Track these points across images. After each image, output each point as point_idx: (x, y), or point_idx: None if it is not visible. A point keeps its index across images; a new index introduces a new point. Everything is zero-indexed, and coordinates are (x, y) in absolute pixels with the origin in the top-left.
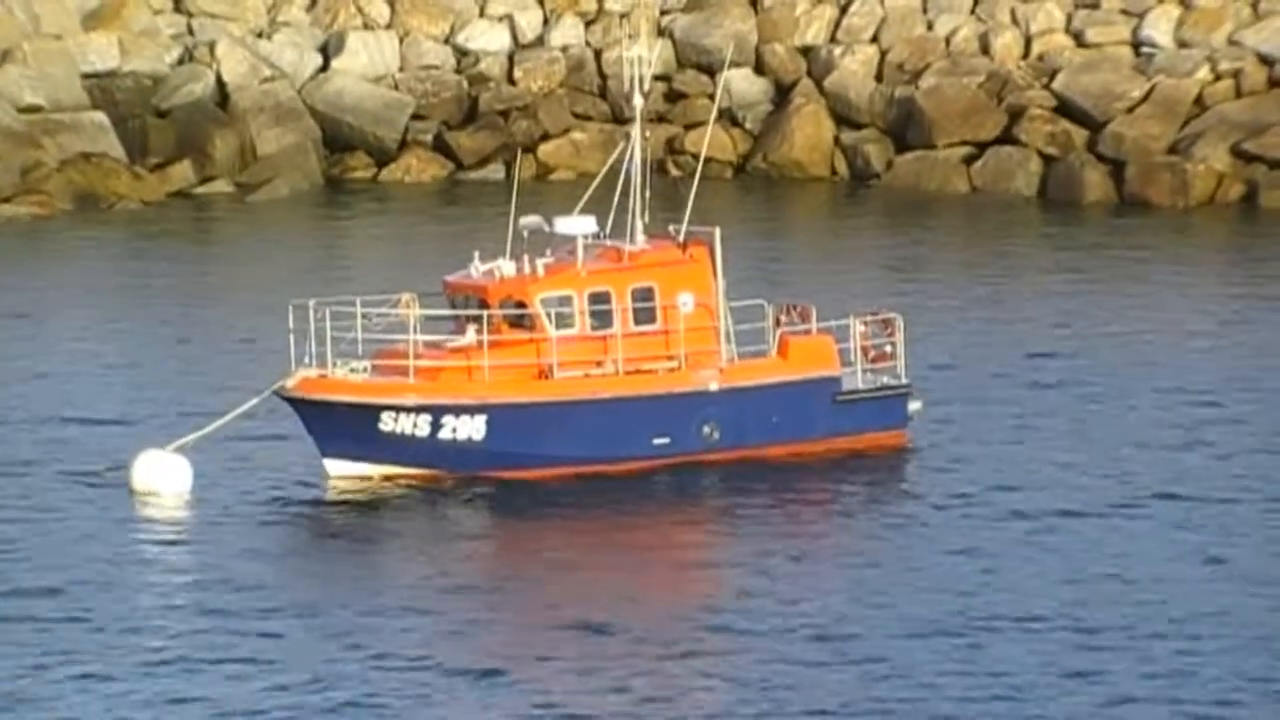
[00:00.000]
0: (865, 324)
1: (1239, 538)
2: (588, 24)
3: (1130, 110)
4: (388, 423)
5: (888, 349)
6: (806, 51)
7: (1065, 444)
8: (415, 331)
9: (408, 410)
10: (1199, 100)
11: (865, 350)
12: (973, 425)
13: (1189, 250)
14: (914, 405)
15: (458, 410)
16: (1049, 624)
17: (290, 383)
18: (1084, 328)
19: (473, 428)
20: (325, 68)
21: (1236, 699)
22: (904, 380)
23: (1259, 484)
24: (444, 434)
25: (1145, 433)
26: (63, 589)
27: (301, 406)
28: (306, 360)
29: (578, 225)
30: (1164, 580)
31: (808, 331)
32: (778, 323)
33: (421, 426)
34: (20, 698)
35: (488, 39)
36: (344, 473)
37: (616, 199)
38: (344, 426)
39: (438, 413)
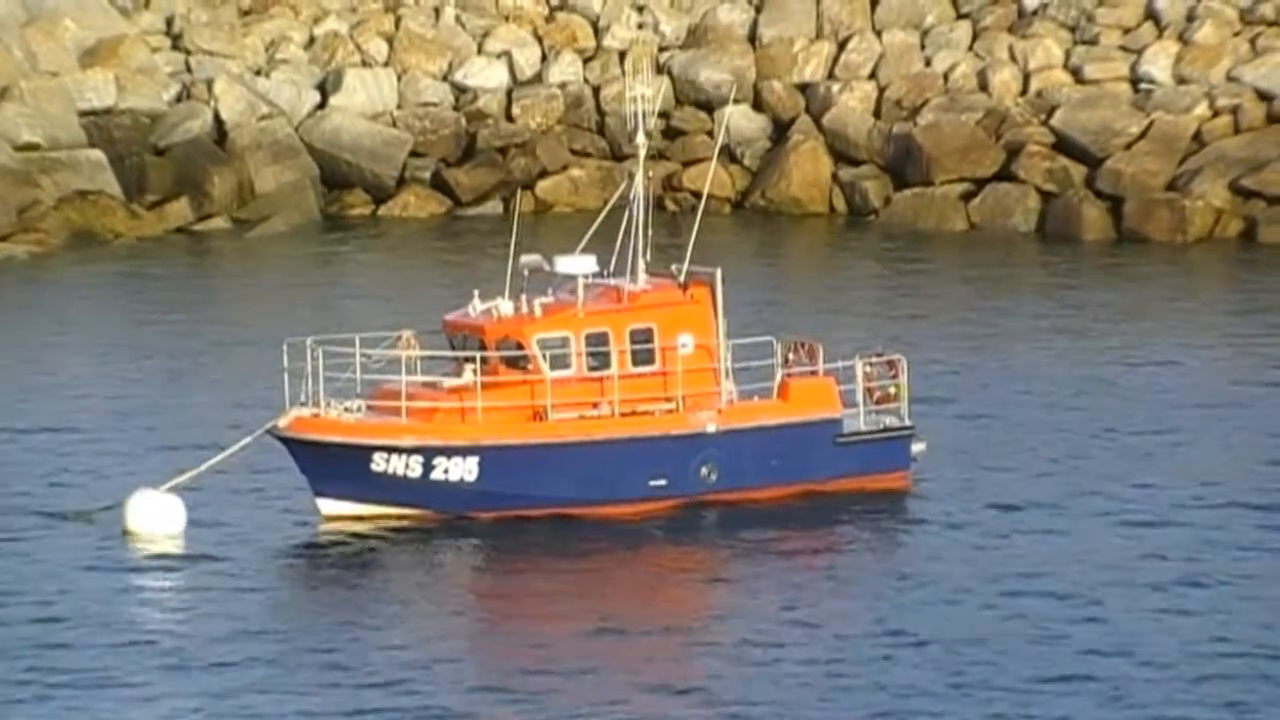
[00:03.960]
0: (870, 365)
1: (1249, 571)
2: (586, 61)
3: (1129, 146)
4: (380, 463)
5: (891, 390)
6: (805, 88)
7: (1072, 484)
8: (413, 370)
9: (399, 451)
10: (1197, 136)
11: (870, 391)
12: (977, 467)
13: (1188, 286)
14: (918, 447)
15: (450, 451)
16: (1055, 662)
17: (283, 422)
18: (1086, 366)
19: (465, 469)
20: (323, 105)
21: None
22: (908, 421)
23: (1266, 514)
24: (436, 475)
25: (1152, 471)
26: (56, 628)
27: (294, 446)
28: (302, 399)
29: (578, 265)
30: (1173, 616)
31: (813, 372)
32: (786, 361)
33: (414, 467)
34: None
35: (486, 76)
36: (337, 512)
37: (620, 238)
38: (336, 466)
39: (430, 454)
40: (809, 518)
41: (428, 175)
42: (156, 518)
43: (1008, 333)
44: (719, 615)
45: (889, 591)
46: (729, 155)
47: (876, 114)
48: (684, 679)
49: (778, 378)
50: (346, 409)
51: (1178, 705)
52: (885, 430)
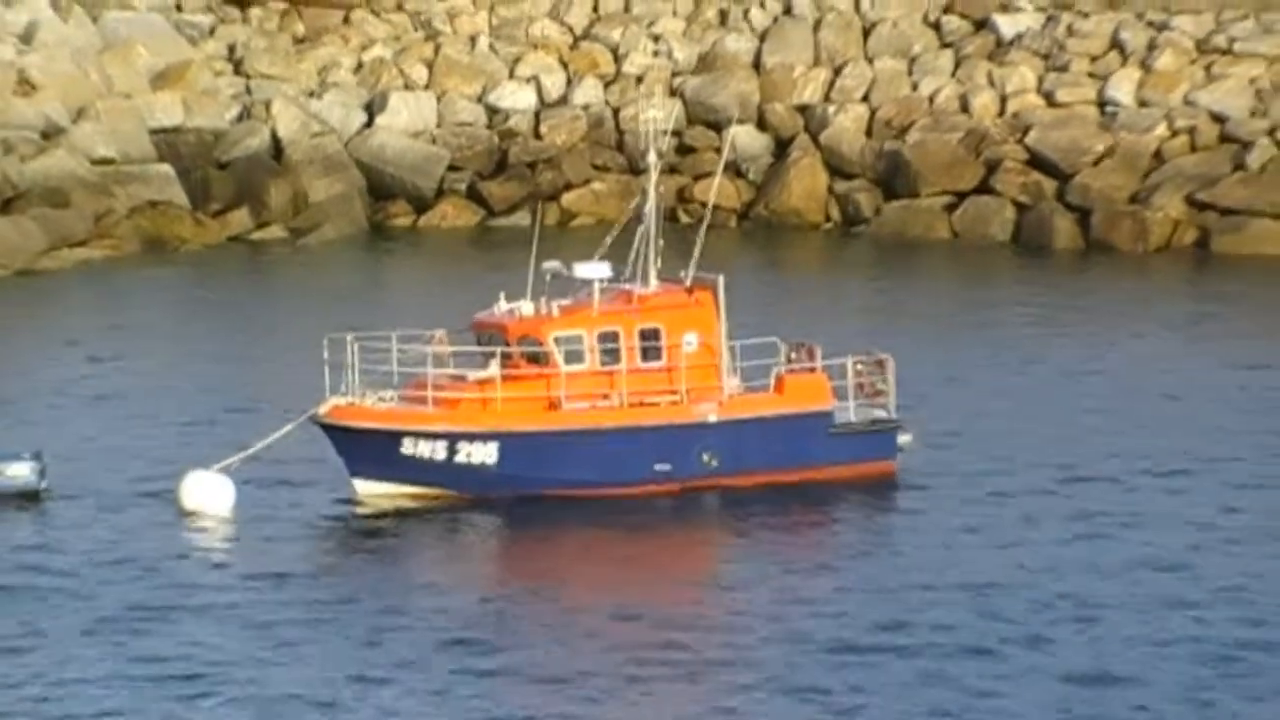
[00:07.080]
0: (860, 364)
1: (1230, 554)
2: (606, 85)
3: (1096, 163)
4: (408, 447)
5: (880, 386)
6: (804, 110)
7: (1040, 472)
8: (440, 364)
9: (427, 436)
10: (1157, 154)
11: (860, 387)
12: (958, 456)
13: (1148, 290)
14: (904, 438)
15: (472, 437)
16: (1031, 642)
17: (323, 410)
18: (1056, 364)
19: (485, 453)
20: (370, 124)
21: None
22: (894, 415)
23: (1230, 507)
24: (460, 458)
25: (1107, 459)
26: (114, 599)
27: (332, 431)
28: (342, 390)
29: (594, 270)
30: (1153, 608)
31: (811, 369)
32: (789, 359)
33: (439, 451)
34: (67, 712)
35: (516, 98)
36: (370, 492)
37: (635, 246)
38: (370, 450)
39: (453, 439)
40: (803, 500)
41: (464, 187)
42: (209, 496)
43: (986, 333)
44: (721, 588)
45: (872, 569)
46: (735, 170)
47: (869, 133)
48: (684, 647)
49: (774, 373)
50: (380, 399)
51: (1153, 695)
52: (874, 422)
